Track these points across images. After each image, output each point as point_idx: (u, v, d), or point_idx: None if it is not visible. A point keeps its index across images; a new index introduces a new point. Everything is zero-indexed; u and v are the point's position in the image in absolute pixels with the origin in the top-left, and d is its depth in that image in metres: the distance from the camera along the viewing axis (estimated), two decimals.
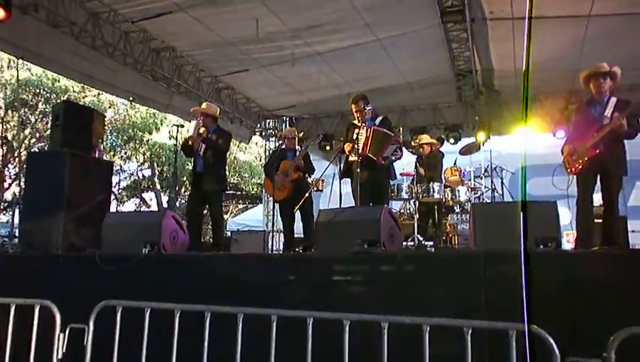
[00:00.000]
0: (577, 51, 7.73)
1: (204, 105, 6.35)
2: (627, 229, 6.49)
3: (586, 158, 4.67)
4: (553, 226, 3.99)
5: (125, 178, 21.77)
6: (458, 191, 7.51)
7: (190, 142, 5.98)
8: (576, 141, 4.83)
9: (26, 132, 16.99)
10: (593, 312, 3.06)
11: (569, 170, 4.85)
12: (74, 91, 16.60)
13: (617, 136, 4.62)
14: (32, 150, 16.42)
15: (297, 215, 6.67)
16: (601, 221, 4.85)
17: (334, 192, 5.63)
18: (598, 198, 4.90)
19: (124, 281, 4.14)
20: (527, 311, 3.02)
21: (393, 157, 5.66)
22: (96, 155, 6.20)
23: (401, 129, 9.87)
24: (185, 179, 17.91)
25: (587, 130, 4.76)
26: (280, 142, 7.40)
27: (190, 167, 7.96)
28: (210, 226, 7.19)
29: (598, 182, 4.72)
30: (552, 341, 2.21)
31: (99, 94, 16.79)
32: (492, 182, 8.45)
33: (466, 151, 9.22)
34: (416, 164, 7.71)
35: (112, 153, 18.59)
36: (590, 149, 4.65)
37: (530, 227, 3.93)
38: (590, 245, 4.54)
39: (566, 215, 7.59)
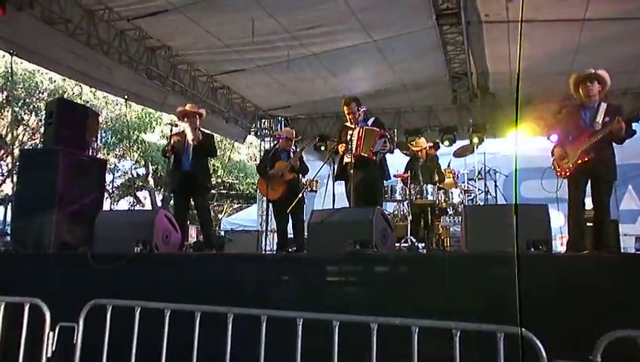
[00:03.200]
0: (571, 55, 7.77)
1: (189, 106, 6.33)
2: (619, 233, 6.52)
3: (577, 163, 4.70)
4: (544, 229, 4.01)
5: (119, 176, 21.72)
6: (452, 193, 7.52)
7: (176, 142, 5.97)
8: (567, 144, 4.86)
9: (20, 129, 16.92)
10: (582, 315, 3.07)
11: (559, 174, 4.89)
12: (73, 93, 16.55)
13: (608, 141, 4.66)
14: (25, 147, 16.37)
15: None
16: (592, 225, 4.88)
17: (328, 193, 5.64)
18: (589, 202, 4.93)
19: (115, 280, 4.13)
20: (518, 313, 3.03)
21: (383, 150, 5.68)
22: (90, 153, 6.18)
23: (395, 131, 9.91)
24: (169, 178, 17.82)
25: (578, 135, 4.80)
26: (275, 142, 7.39)
27: None
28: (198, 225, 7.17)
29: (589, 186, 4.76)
30: (539, 343, 2.23)
31: (94, 92, 16.76)
32: (485, 184, 8.47)
33: (461, 153, 9.24)
34: (409, 166, 7.72)
35: (106, 151, 18.54)
36: (582, 155, 4.68)
37: (522, 230, 3.99)
38: (582, 249, 4.57)
39: (558, 218, 7.64)
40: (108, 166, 17.68)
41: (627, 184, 10.03)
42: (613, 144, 4.74)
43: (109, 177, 19.48)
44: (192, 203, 6.31)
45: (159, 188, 21.15)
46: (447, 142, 10.12)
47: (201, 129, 6.27)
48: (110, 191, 21.11)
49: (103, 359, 2.99)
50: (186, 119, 6.14)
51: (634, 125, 4.98)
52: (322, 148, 10.78)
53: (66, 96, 15.82)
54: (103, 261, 4.25)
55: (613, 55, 7.77)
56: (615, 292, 3.12)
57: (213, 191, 19.73)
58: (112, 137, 18.77)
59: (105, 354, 3.00)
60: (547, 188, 5.12)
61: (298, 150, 6.88)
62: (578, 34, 7.31)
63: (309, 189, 7.46)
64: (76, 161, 5.71)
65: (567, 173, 4.78)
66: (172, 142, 5.98)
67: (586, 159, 4.64)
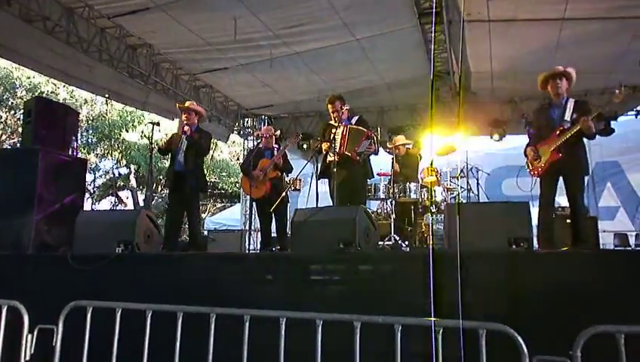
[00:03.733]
0: (551, 54, 7.85)
1: (188, 103, 6.35)
2: (598, 229, 6.62)
3: (548, 162, 4.79)
4: (526, 226, 4.04)
5: (101, 176, 21.45)
6: (434, 191, 7.57)
7: (168, 141, 5.98)
8: (538, 143, 4.95)
9: None
10: (563, 311, 3.11)
11: (533, 173, 4.99)
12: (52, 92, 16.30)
13: (578, 138, 4.74)
14: (3, 147, 16.08)
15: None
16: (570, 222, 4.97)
17: (312, 192, 5.64)
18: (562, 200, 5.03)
19: (96, 281, 4.08)
20: (500, 310, 3.07)
21: (367, 152, 5.70)
22: (70, 152, 6.10)
23: (379, 129, 9.92)
24: (161, 177, 17.70)
25: (548, 133, 4.89)
26: (258, 141, 7.37)
27: (166, 165, 7.87)
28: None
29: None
30: (520, 340, 2.25)
31: (73, 91, 16.53)
32: (468, 182, 8.54)
33: (443, 151, 9.30)
34: (392, 164, 7.76)
35: (86, 150, 18.30)
36: (553, 153, 4.77)
37: (503, 227, 4.03)
38: (551, 246, 4.64)
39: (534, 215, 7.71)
40: (89, 165, 17.53)
41: (606, 181, 10.19)
42: (585, 140, 4.83)
43: (89, 177, 19.23)
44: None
45: (141, 187, 20.94)
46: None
47: (199, 127, 6.29)
48: (91, 191, 20.84)
49: (84, 360, 2.95)
50: (184, 115, 6.14)
51: (612, 123, 5.08)
52: (305, 146, 10.78)
53: (45, 94, 15.59)
54: (83, 262, 4.19)
55: (591, 55, 7.88)
56: (594, 288, 3.17)
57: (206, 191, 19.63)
58: (92, 136, 18.54)
59: (85, 357, 2.96)
60: (522, 187, 5.21)
61: (281, 148, 6.86)
62: (557, 33, 7.39)
63: (293, 188, 7.45)
64: (56, 160, 5.63)
65: (540, 172, 4.88)
66: (171, 142, 6.02)
67: (559, 155, 4.73)
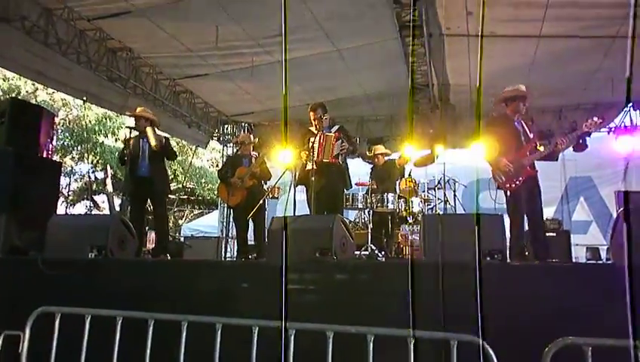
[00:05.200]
0: (527, 69, 8.02)
1: (140, 109, 6.23)
2: (570, 243, 6.75)
3: (525, 177, 4.84)
4: (499, 239, 4.10)
5: (77, 180, 21.10)
6: (412, 202, 7.62)
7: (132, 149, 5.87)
8: (508, 155, 4.90)
9: None
10: (535, 323, 3.15)
11: (508, 187, 4.87)
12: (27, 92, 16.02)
13: (550, 157, 4.89)
14: None
15: (252, 221, 6.62)
16: (551, 234, 5.07)
17: (290, 200, 5.64)
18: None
19: (67, 287, 3.99)
20: (472, 321, 3.08)
21: (343, 151, 5.72)
22: (45, 155, 5.99)
23: (358, 139, 9.98)
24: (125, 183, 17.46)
25: (517, 146, 4.93)
26: (237, 148, 7.34)
27: None
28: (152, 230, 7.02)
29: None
30: (491, 351, 2.27)
31: (53, 93, 16.29)
32: (445, 194, 8.62)
33: (421, 163, 9.38)
34: (371, 175, 7.80)
35: (62, 153, 18.00)
36: (528, 169, 4.84)
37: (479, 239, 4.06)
38: (524, 259, 4.71)
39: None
40: (64, 169, 17.22)
41: (579, 196, 10.39)
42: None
43: (65, 180, 18.88)
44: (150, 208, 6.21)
45: (118, 192, 20.65)
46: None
47: (157, 132, 6.16)
48: (66, 194, 20.48)
49: None
50: (140, 122, 6.01)
51: (586, 140, 5.20)
52: (284, 155, 10.77)
53: (21, 96, 15.31)
54: (54, 266, 4.10)
55: (566, 71, 8.07)
56: (566, 300, 3.21)
57: (173, 196, 19.41)
58: (69, 139, 18.25)
59: None
60: (493, 198, 5.14)
61: (259, 156, 6.84)
62: (534, 49, 7.56)
63: (271, 196, 7.43)
64: (29, 162, 5.53)
65: (516, 187, 4.84)
66: (130, 146, 5.88)
67: (533, 173, 4.85)
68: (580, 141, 7.66)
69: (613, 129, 9.94)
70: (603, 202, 10.52)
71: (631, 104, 9.99)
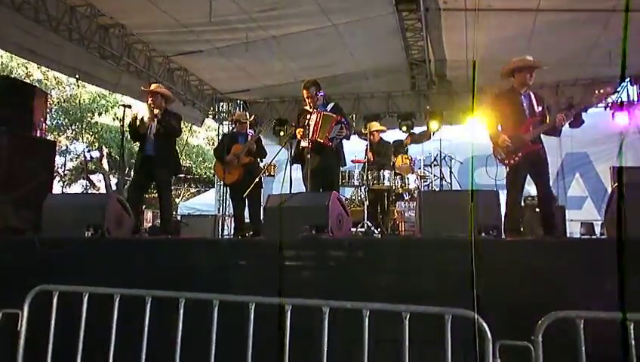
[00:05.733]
0: (525, 43, 7.95)
1: (154, 86, 6.21)
2: (565, 218, 6.78)
3: (525, 151, 4.79)
4: (495, 215, 4.12)
5: (72, 159, 21.05)
6: (408, 178, 7.63)
7: (139, 124, 5.82)
8: (509, 131, 4.88)
9: None
10: (528, 298, 3.18)
11: (507, 163, 4.87)
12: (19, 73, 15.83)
13: (554, 132, 4.83)
14: None
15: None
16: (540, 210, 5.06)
17: (286, 177, 5.63)
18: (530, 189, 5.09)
19: (64, 266, 4.01)
20: (467, 296, 3.12)
21: (339, 136, 5.68)
22: (38, 134, 5.96)
23: (354, 116, 9.94)
24: (134, 161, 17.47)
25: (520, 122, 4.87)
26: (232, 126, 7.30)
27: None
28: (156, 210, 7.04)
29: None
30: (485, 325, 2.29)
31: (46, 72, 16.13)
32: (441, 170, 8.64)
33: (418, 139, 9.37)
34: (366, 151, 7.78)
35: (57, 133, 17.91)
36: (529, 144, 4.79)
37: (474, 215, 4.08)
38: (519, 234, 4.73)
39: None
40: (59, 148, 17.15)
41: (574, 172, 10.41)
42: None
43: (60, 160, 18.84)
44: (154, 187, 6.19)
45: (113, 171, 20.62)
46: (404, 128, 10.22)
47: (168, 109, 6.12)
48: (62, 174, 20.45)
49: (49, 346, 2.91)
50: (149, 98, 5.96)
51: (583, 115, 5.17)
52: (281, 132, 10.74)
53: (14, 75, 15.14)
54: (51, 245, 4.11)
55: (563, 47, 8.01)
56: (559, 275, 3.24)
57: (181, 175, 19.33)
58: (63, 119, 18.13)
59: (51, 342, 2.91)
60: (491, 175, 5.12)
61: (255, 133, 6.81)
62: (531, 24, 7.49)
63: (267, 173, 7.42)
64: (22, 142, 5.51)
65: (515, 162, 4.82)
66: (137, 125, 5.84)
67: (534, 148, 4.78)
68: (578, 116, 7.65)
69: (610, 105, 9.92)
70: (598, 178, 10.56)
71: (628, 79, 9.96)
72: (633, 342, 2.22)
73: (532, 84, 4.96)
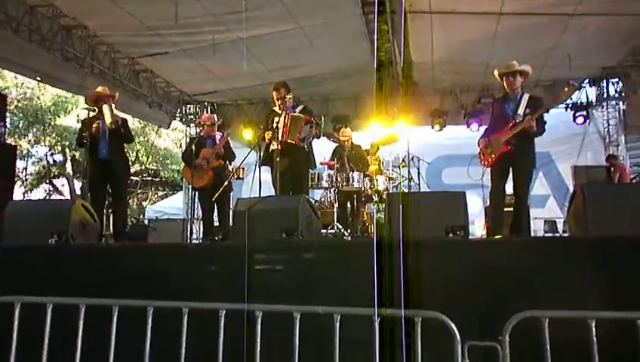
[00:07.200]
0: (489, 46, 8.13)
1: (100, 88, 6.07)
2: (529, 217, 6.94)
3: (498, 153, 4.99)
4: (462, 215, 4.18)
5: (34, 163, 20.43)
6: (377, 180, 7.69)
7: (94, 130, 5.72)
8: (491, 135, 5.16)
9: None
10: (494, 297, 3.24)
11: (484, 163, 5.20)
12: None
13: (528, 134, 4.96)
14: None
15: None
16: (511, 210, 5.20)
17: (255, 180, 5.60)
18: (508, 187, 5.24)
19: (28, 275, 3.89)
20: (436, 297, 3.16)
21: (310, 135, 5.71)
22: None
23: (323, 118, 9.97)
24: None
25: (501, 126, 5.09)
26: (199, 129, 7.22)
27: None
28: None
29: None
30: (453, 326, 2.33)
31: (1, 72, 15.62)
32: (409, 171, 8.73)
33: (386, 141, 9.44)
34: (335, 153, 7.78)
35: (17, 136, 17.36)
36: (503, 145, 4.97)
37: (441, 216, 4.15)
38: (499, 233, 4.86)
39: (478, 203, 8.03)
40: (19, 152, 16.61)
41: (538, 171, 10.68)
42: None
43: (21, 164, 18.28)
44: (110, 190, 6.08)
45: (78, 175, 20.12)
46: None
47: (116, 113, 6.01)
48: (23, 178, 19.84)
49: (11, 359, 2.81)
50: (99, 103, 5.86)
51: (544, 116, 5.32)
52: (249, 135, 10.68)
53: None
54: (13, 254, 3.99)
55: (525, 49, 8.21)
56: (525, 274, 3.32)
57: (136, 178, 19.03)
58: (22, 121, 17.57)
59: (13, 355, 2.82)
60: (472, 176, 5.41)
61: (223, 136, 6.75)
62: (495, 27, 7.65)
63: (236, 176, 7.37)
64: None
65: (491, 163, 5.08)
66: (92, 129, 5.72)
67: (509, 148, 4.94)
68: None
69: (570, 105, 10.23)
70: (560, 176, 10.88)
71: (587, 81, 10.29)
72: (595, 340, 2.29)
73: (493, 86, 5.20)
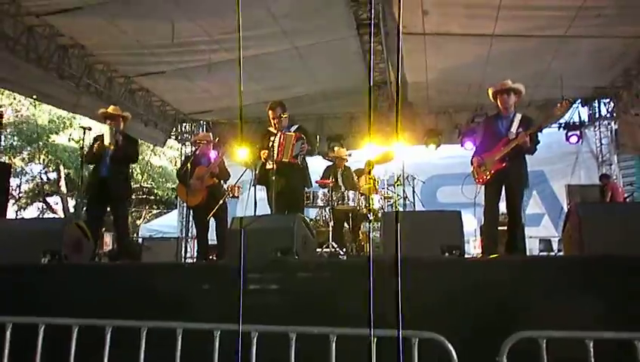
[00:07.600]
0: (482, 67, 8.21)
1: (112, 108, 6.12)
2: (524, 236, 6.95)
3: (492, 171, 5.02)
4: (457, 235, 4.19)
5: (27, 181, 20.34)
6: (372, 199, 7.68)
7: (98, 148, 5.74)
8: (484, 153, 5.17)
9: None
10: (491, 317, 3.23)
11: (477, 181, 5.21)
12: None
13: (521, 152, 4.99)
14: None
15: (213, 221, 6.53)
16: (505, 228, 5.21)
17: (250, 199, 5.58)
18: (502, 206, 5.26)
19: (19, 295, 3.84)
20: (432, 318, 3.14)
21: (303, 152, 5.72)
22: None
23: (318, 137, 10.00)
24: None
25: (494, 144, 5.11)
26: (195, 147, 7.22)
27: None
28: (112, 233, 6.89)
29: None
30: (450, 347, 2.31)
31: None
32: (404, 190, 8.74)
33: (381, 160, 9.47)
34: (327, 172, 7.78)
35: (11, 154, 17.30)
36: (497, 162, 5.00)
37: (436, 235, 4.15)
38: (494, 252, 4.85)
39: (472, 222, 8.04)
40: (14, 170, 16.54)
41: (532, 190, 10.74)
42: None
43: (15, 182, 18.19)
44: (109, 210, 6.06)
45: (72, 193, 20.03)
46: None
47: (126, 133, 6.07)
48: (17, 196, 19.73)
49: None
50: (108, 122, 5.89)
51: (538, 135, 5.36)
52: (244, 154, 10.67)
53: None
54: (4, 273, 3.94)
55: (518, 70, 8.30)
56: (522, 293, 3.30)
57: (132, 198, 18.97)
58: (17, 140, 17.53)
59: None
60: (467, 194, 5.44)
61: (219, 155, 6.75)
62: (488, 48, 7.74)
63: (231, 195, 7.35)
64: None
65: (485, 180, 5.09)
66: (94, 148, 5.75)
67: (503, 165, 4.96)
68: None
69: (563, 125, 10.32)
70: (554, 195, 10.93)
71: (579, 101, 10.41)
72: (593, 360, 2.28)
73: (487, 105, 5.22)
